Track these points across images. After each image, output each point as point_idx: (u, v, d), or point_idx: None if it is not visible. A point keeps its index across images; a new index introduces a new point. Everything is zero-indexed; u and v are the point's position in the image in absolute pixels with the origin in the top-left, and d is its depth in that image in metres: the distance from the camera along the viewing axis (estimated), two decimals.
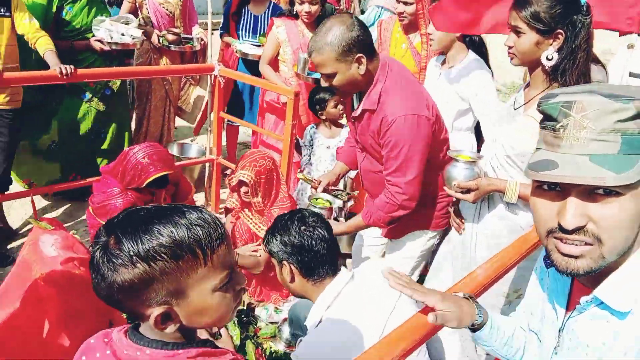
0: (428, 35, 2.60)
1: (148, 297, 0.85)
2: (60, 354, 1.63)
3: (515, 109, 1.84)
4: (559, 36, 1.66)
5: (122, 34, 3.53)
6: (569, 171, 0.78)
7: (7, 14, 2.95)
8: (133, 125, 4.21)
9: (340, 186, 2.75)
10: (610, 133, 0.78)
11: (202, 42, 4.02)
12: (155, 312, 0.86)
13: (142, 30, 3.67)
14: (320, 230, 1.67)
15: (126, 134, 4.02)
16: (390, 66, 1.94)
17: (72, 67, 2.84)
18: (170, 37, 3.82)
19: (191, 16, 4.13)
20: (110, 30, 3.51)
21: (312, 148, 3.34)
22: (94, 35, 3.51)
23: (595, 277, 0.87)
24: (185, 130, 5.30)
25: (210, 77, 3.59)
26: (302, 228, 1.66)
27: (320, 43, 1.81)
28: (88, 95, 3.66)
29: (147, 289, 0.84)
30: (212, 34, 3.82)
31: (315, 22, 3.34)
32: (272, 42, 3.39)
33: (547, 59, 1.69)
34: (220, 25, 3.97)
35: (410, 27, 2.93)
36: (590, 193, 0.81)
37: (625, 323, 0.85)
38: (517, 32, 1.71)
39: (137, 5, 3.89)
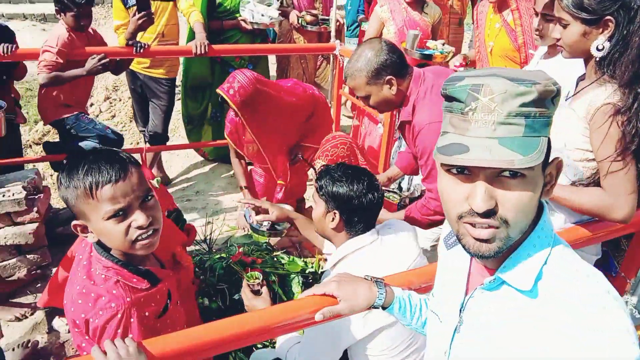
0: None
1: (73, 212, 1.23)
2: None
3: (565, 100, 1.67)
4: (609, 24, 1.47)
5: (262, 15, 3.94)
6: (480, 154, 0.79)
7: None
8: None
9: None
10: (516, 116, 0.79)
11: (338, 23, 4.22)
12: (75, 222, 1.26)
13: (280, 12, 4.01)
14: (372, 194, 1.77)
15: None
16: (424, 77, 2.01)
17: (205, 45, 3.29)
18: (309, 17, 4.11)
19: None
20: (253, 11, 3.94)
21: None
22: (240, 16, 3.98)
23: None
24: None
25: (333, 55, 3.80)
26: (362, 189, 1.76)
27: (353, 69, 1.98)
28: (233, 69, 4.18)
29: (68, 206, 1.24)
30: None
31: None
32: (376, 21, 3.45)
33: (597, 49, 1.51)
34: None
35: (503, 4, 2.81)
36: (497, 176, 0.82)
37: (529, 302, 0.86)
38: (563, 23, 1.55)
39: None
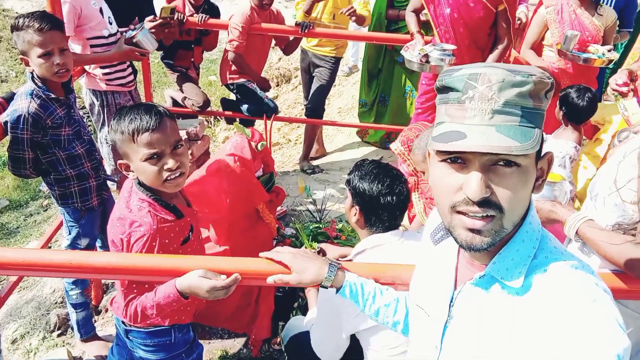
0: None
1: (119, 153, 1.55)
2: (214, 213, 2.43)
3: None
4: None
5: None
6: (478, 140, 0.79)
7: None
8: None
9: None
10: (513, 105, 0.80)
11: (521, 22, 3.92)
12: (120, 162, 1.56)
13: None
14: (390, 196, 1.78)
15: None
16: None
17: (308, 24, 3.49)
18: None
19: None
20: None
21: None
22: None
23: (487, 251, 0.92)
24: None
25: None
26: (382, 189, 1.78)
27: (415, 145, 2.22)
28: (402, 58, 4.26)
29: (117, 148, 1.56)
30: None
31: None
32: (539, 23, 3.12)
33: None
34: None
35: None
36: (492, 164, 0.82)
37: (519, 297, 0.87)
38: None
39: None
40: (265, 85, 3.91)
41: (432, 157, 0.90)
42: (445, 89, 0.87)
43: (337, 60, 4.15)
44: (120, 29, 2.87)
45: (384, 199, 1.75)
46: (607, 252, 1.36)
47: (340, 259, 2.22)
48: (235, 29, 3.54)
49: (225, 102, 4.07)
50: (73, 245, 2.37)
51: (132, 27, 2.88)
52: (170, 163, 1.50)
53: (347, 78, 6.26)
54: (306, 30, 3.53)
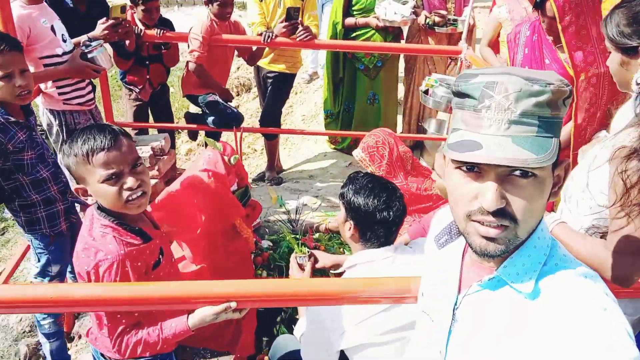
0: None
1: (74, 177, 1.48)
2: (190, 232, 2.36)
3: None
4: None
5: (395, 12, 3.97)
6: (494, 152, 0.78)
7: None
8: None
9: None
10: (530, 116, 0.79)
11: (469, 25, 4.01)
12: (76, 187, 1.48)
13: (413, 11, 3.98)
14: (387, 212, 1.75)
15: (396, 103, 4.56)
16: None
17: (270, 34, 3.43)
18: (437, 18, 4.00)
19: None
20: (386, 9, 4.00)
21: None
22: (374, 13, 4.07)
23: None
24: None
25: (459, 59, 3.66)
26: (378, 204, 1.75)
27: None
28: (362, 65, 4.30)
29: (70, 173, 1.49)
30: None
31: None
32: (493, 22, 3.25)
33: (637, 83, 1.31)
34: None
35: None
36: (508, 174, 0.82)
37: (529, 302, 0.87)
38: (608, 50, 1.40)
39: None
40: (227, 96, 3.85)
41: (448, 162, 0.89)
42: (461, 95, 0.86)
43: (291, 77, 4.14)
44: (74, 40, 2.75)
45: (381, 215, 1.72)
46: (578, 255, 1.38)
47: (332, 269, 2.21)
48: (196, 39, 3.47)
49: (189, 116, 3.99)
50: (44, 273, 2.26)
51: (87, 42, 2.77)
52: (130, 182, 1.43)
53: (309, 85, 6.27)
54: (269, 40, 3.50)
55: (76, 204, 2.45)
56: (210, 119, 3.64)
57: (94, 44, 2.68)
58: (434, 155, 4.47)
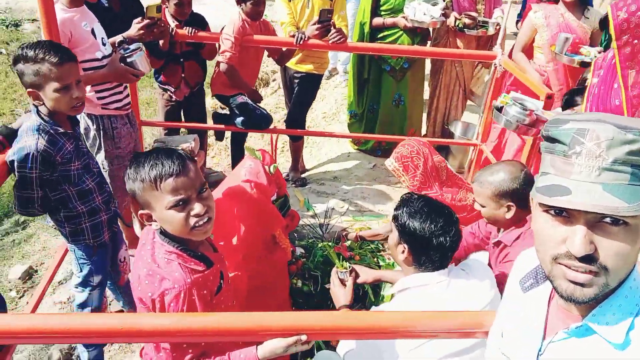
0: None
1: (137, 203, 1.44)
2: (230, 243, 2.35)
3: None
4: None
5: (424, 13, 3.91)
6: (583, 198, 0.78)
7: None
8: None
9: None
10: (622, 164, 0.79)
11: (497, 27, 3.96)
12: (141, 212, 1.45)
13: (443, 12, 3.92)
14: (444, 237, 1.72)
15: (422, 105, 4.51)
16: None
17: (302, 36, 3.39)
18: (467, 20, 3.94)
19: None
20: (415, 9, 3.94)
21: None
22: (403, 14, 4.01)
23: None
24: (476, 110, 5.34)
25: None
26: (435, 229, 1.71)
27: (484, 177, 2.08)
28: (389, 66, 4.25)
29: (134, 198, 1.45)
30: None
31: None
32: (528, 27, 3.21)
33: None
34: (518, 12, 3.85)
35: None
36: (598, 221, 0.81)
37: (618, 354, 0.85)
38: None
39: None
40: (256, 97, 3.82)
41: (535, 205, 0.89)
42: (552, 140, 0.86)
43: (318, 78, 4.09)
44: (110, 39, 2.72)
45: (437, 240, 1.69)
46: None
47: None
48: (228, 39, 3.43)
49: (217, 117, 3.96)
50: (85, 283, 2.25)
51: (126, 45, 2.73)
52: (198, 208, 1.41)
53: (328, 81, 6.21)
54: (301, 42, 3.45)
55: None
56: (239, 120, 3.61)
57: (132, 47, 2.64)
58: (459, 158, 4.49)
